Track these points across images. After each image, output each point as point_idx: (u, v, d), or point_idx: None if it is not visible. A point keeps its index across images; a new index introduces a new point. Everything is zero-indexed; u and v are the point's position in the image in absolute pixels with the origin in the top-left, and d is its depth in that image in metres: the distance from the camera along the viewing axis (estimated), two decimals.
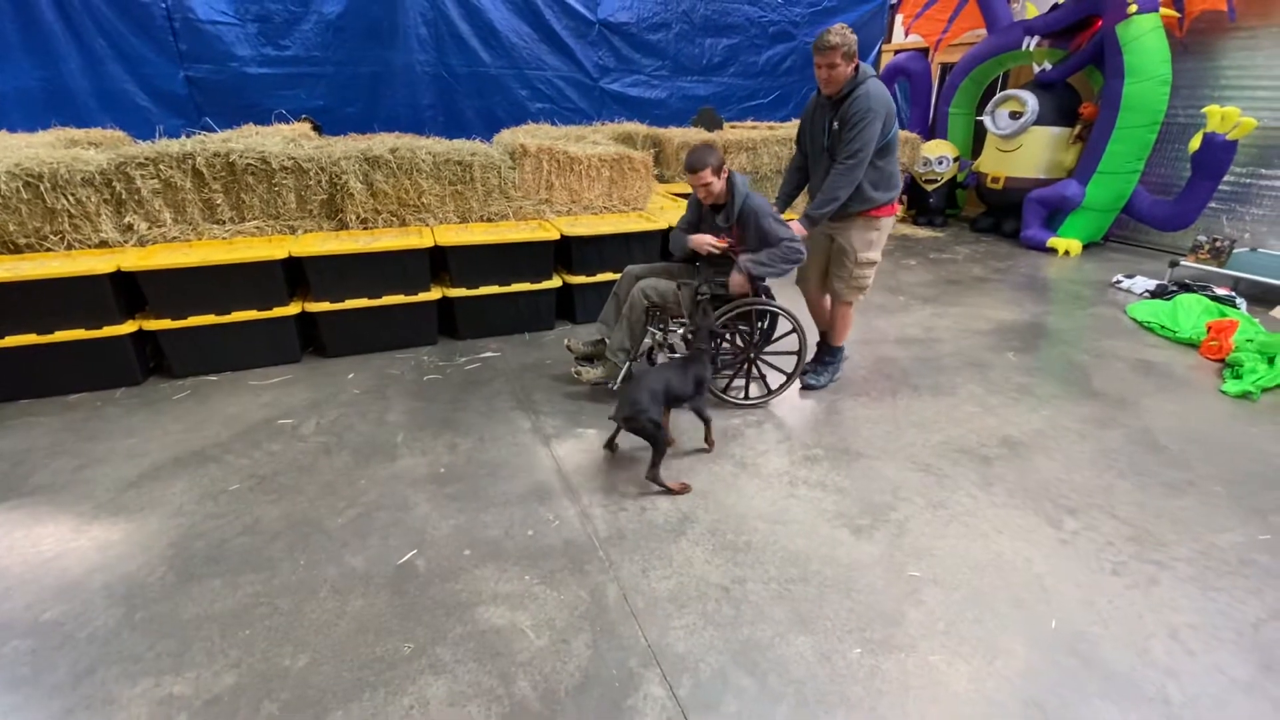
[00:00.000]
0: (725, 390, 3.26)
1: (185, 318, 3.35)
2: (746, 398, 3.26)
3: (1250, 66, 6.00)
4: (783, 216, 3.23)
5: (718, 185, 2.90)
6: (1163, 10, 5.75)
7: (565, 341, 3.49)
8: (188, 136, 3.64)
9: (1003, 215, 7.22)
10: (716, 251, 2.99)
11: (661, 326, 3.24)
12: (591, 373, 3.28)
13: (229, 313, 3.42)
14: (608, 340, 3.29)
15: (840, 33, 2.76)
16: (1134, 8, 5.63)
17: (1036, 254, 6.49)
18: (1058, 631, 1.92)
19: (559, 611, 1.95)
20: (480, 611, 1.95)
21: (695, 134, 6.51)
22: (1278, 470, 2.79)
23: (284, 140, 3.85)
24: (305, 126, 5.98)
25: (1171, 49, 5.80)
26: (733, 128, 7.33)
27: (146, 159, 3.40)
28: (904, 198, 7.93)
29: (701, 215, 3.15)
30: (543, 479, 2.62)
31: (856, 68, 2.84)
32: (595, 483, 2.60)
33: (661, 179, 6.27)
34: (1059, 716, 1.66)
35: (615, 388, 3.26)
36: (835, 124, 2.92)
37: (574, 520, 2.37)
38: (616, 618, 1.93)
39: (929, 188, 7.54)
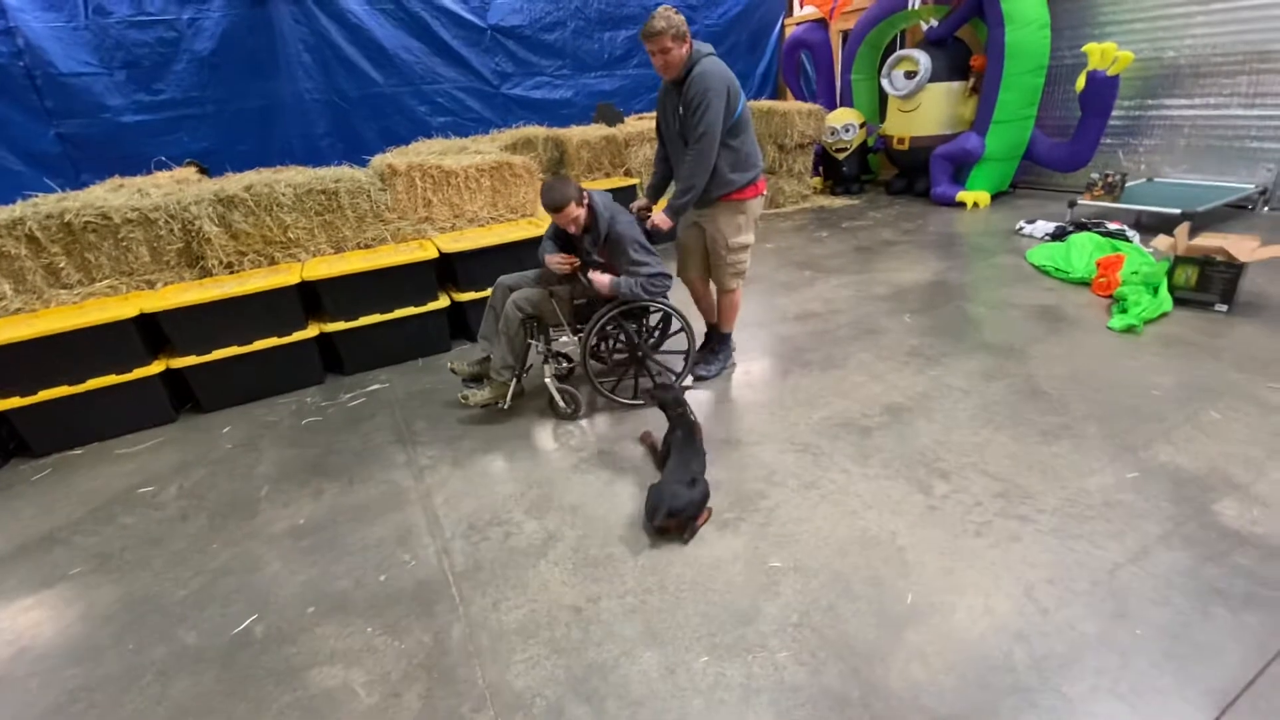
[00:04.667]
0: (614, 390, 3.17)
1: (35, 393, 3.15)
2: (635, 396, 3.18)
3: (1123, 0, 6.08)
4: (654, 207, 3.16)
5: (584, 214, 2.81)
6: None
7: (449, 365, 3.36)
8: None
9: (914, 175, 7.25)
10: (567, 270, 2.91)
11: (543, 337, 3.13)
12: (479, 395, 3.16)
13: (84, 381, 3.22)
14: (492, 358, 3.17)
15: (665, 16, 2.68)
16: None
17: (948, 210, 6.52)
18: (913, 606, 1.86)
19: (396, 663, 1.84)
20: (312, 674, 1.83)
21: (595, 131, 6.39)
22: (1153, 402, 2.79)
23: (130, 192, 3.65)
24: (190, 171, 5.73)
25: None
26: (639, 118, 7.24)
27: None
28: (821, 168, 7.93)
29: (570, 237, 3.03)
30: (406, 517, 2.49)
31: (690, 48, 2.77)
32: (463, 511, 2.49)
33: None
34: (898, 700, 1.59)
35: (505, 407, 3.15)
36: (681, 109, 2.85)
37: (431, 558, 2.25)
38: (456, 660, 1.83)
39: (840, 156, 7.54)
